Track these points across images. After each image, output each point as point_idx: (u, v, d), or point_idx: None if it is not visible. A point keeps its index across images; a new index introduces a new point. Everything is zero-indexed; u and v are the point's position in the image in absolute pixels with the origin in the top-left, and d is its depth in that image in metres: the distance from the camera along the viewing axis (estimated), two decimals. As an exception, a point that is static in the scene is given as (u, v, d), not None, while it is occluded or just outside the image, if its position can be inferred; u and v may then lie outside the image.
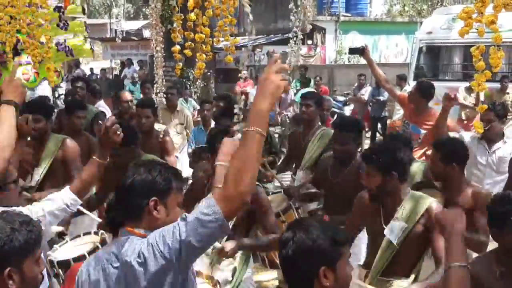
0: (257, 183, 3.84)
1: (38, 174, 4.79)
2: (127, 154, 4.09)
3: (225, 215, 2.07)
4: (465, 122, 10.04)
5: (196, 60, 4.64)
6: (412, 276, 3.45)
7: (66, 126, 5.83)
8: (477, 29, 3.10)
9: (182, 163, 7.07)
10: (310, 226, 2.10)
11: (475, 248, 3.84)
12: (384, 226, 3.45)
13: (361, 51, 5.93)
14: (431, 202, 3.43)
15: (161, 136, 5.84)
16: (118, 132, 3.02)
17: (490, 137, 5.19)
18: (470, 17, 2.97)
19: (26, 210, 2.91)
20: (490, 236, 3.22)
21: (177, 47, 4.57)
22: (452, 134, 5.32)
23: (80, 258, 3.48)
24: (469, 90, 10.13)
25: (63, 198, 3.10)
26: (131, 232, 2.26)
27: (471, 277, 2.33)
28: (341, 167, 4.46)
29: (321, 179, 4.68)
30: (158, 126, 6.13)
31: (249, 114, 2.22)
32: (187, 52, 4.43)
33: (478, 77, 3.20)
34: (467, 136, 5.34)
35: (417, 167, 4.48)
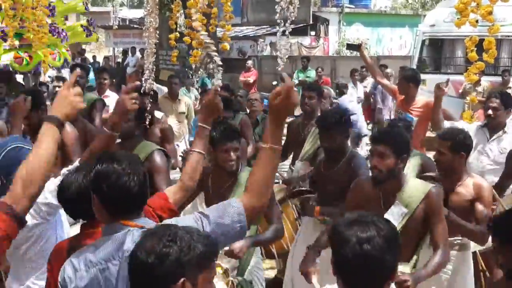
0: None
1: None
2: (131, 144, 4.06)
3: (247, 223, 2.20)
4: (468, 115, 10.01)
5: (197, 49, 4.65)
6: (412, 262, 3.43)
7: None
8: (468, 20, 3.10)
9: (183, 152, 7.09)
10: (381, 218, 1.96)
11: (477, 239, 3.87)
12: (384, 210, 3.43)
13: (357, 47, 6.34)
14: (431, 187, 3.44)
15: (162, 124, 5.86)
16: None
17: (492, 125, 5.17)
18: (467, 8, 2.97)
19: None
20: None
21: (175, 34, 4.58)
22: (448, 124, 5.32)
23: None
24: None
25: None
26: (128, 225, 2.12)
27: None
28: (333, 161, 4.41)
29: (316, 172, 4.69)
30: (157, 114, 6.13)
31: (264, 133, 2.28)
32: (186, 39, 4.44)
33: (471, 69, 3.21)
34: (462, 125, 5.32)
35: (414, 161, 4.48)
